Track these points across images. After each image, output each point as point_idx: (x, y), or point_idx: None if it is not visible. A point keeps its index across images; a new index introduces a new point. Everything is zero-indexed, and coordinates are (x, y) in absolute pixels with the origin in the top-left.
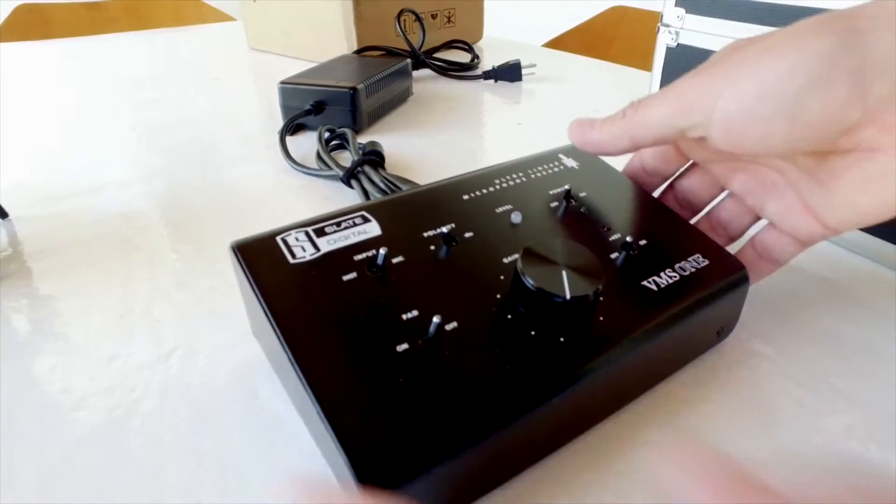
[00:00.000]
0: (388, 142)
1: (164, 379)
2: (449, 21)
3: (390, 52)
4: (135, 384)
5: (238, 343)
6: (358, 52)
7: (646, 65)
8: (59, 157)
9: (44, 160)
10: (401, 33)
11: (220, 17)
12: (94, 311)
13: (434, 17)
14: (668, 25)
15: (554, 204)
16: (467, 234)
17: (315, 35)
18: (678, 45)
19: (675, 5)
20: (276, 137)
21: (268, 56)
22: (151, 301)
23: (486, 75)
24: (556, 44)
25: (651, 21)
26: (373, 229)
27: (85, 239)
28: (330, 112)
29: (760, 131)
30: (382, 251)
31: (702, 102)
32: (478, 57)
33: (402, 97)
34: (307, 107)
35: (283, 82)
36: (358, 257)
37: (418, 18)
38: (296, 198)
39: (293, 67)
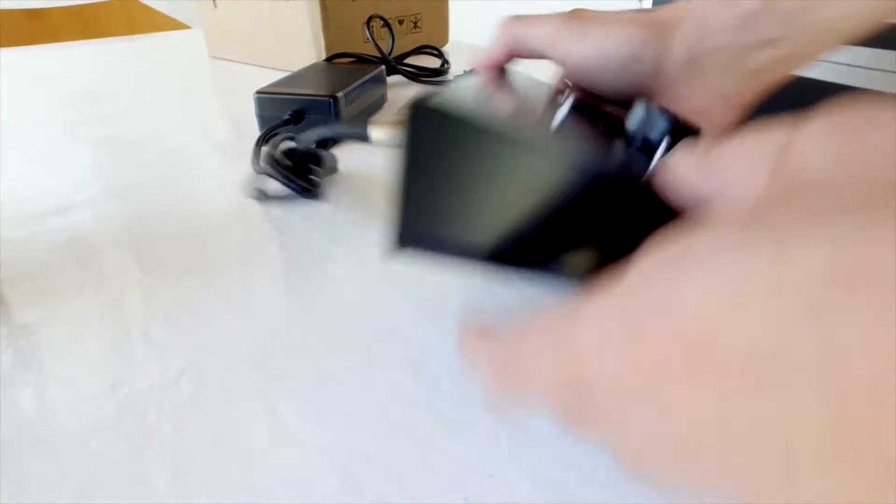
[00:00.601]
0: (365, 152)
1: (177, 402)
2: (416, 26)
3: (362, 60)
4: (145, 410)
5: (248, 359)
6: (328, 59)
7: None
8: (18, 177)
9: (2, 182)
10: (371, 40)
11: (175, 24)
12: (86, 337)
13: (401, 22)
14: None
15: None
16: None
17: (281, 42)
18: None
19: None
20: (251, 149)
21: (231, 64)
22: (148, 323)
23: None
24: None
25: None
26: None
27: (59, 263)
28: (310, 121)
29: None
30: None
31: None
32: (448, 62)
33: (378, 104)
34: (286, 116)
35: (259, 92)
36: None
37: (387, 24)
38: (277, 207)
39: (259, 76)
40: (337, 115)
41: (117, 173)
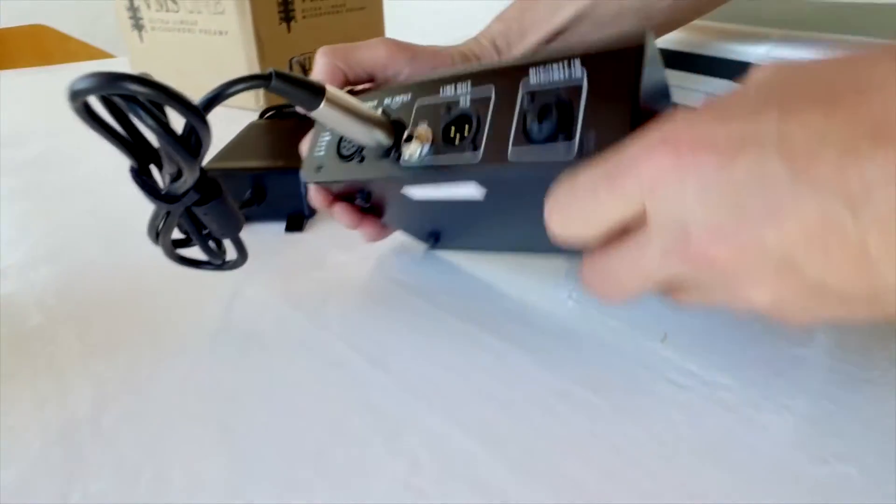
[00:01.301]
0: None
1: None
2: None
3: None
4: None
5: (217, 452)
6: (263, 114)
7: None
8: None
9: None
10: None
11: (95, 53)
12: (29, 429)
13: None
14: None
15: None
16: None
17: (215, 77)
18: None
19: None
20: None
21: None
22: (100, 412)
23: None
24: None
25: None
26: None
27: None
28: (274, 198)
29: None
30: None
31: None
32: None
33: None
34: (246, 196)
35: (206, 169)
36: None
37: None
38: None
39: None
40: (307, 187)
41: (46, 231)
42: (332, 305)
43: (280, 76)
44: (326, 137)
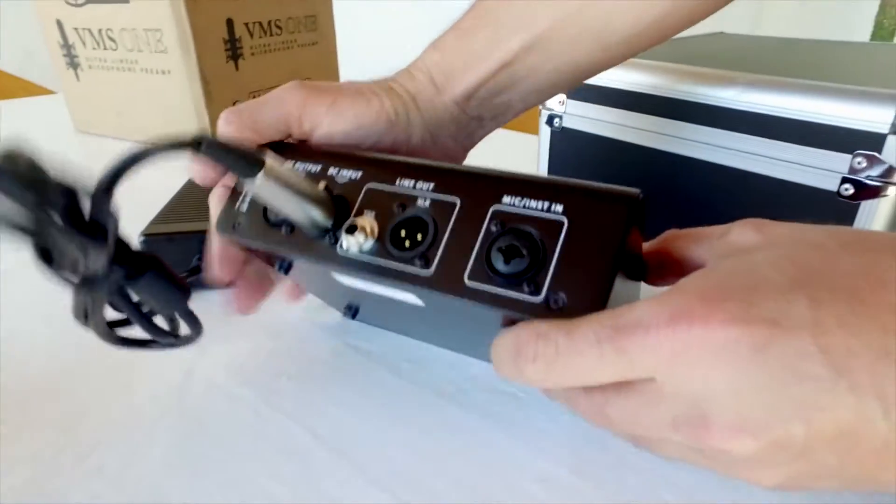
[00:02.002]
0: None
1: None
2: None
3: None
4: None
5: None
6: None
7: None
8: None
9: None
10: None
11: (31, 89)
12: None
13: None
14: (549, 109)
15: None
16: None
17: (158, 117)
18: (562, 128)
19: None
20: None
21: (103, 141)
22: None
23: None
24: None
25: None
26: None
27: None
28: None
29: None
30: None
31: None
32: None
33: None
34: (193, 263)
35: (145, 234)
36: None
37: None
38: None
39: None
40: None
41: None
42: (286, 381)
43: (211, 145)
44: None
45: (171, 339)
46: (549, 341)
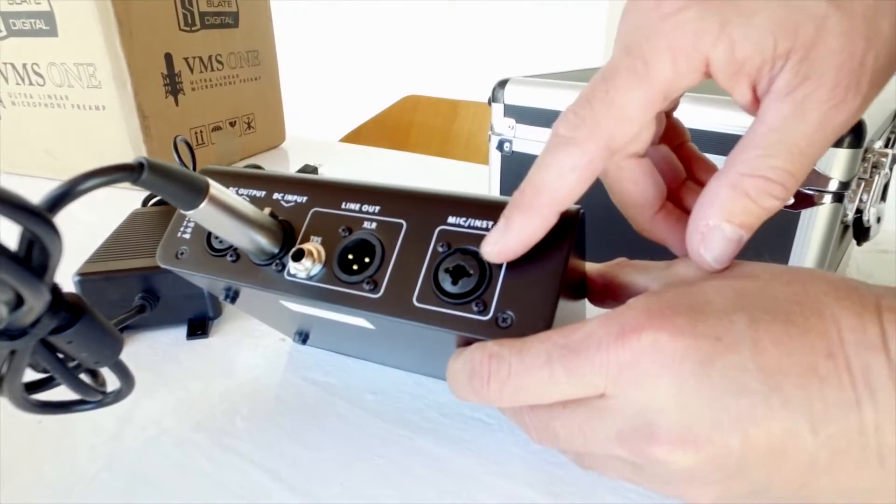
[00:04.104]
0: None
1: None
2: (249, 127)
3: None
4: None
5: None
6: (146, 200)
7: (444, 152)
8: None
9: None
10: (179, 161)
11: None
12: None
13: (233, 124)
14: (498, 134)
15: None
16: None
17: (92, 156)
18: (512, 152)
19: (504, 115)
20: None
21: (32, 181)
22: None
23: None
24: (356, 136)
25: (444, 108)
26: None
27: None
28: (171, 301)
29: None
30: None
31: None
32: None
33: None
34: (136, 302)
35: (81, 274)
36: None
37: (188, 147)
38: None
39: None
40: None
41: None
42: (241, 421)
43: (154, 168)
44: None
45: (99, 396)
46: (503, 361)
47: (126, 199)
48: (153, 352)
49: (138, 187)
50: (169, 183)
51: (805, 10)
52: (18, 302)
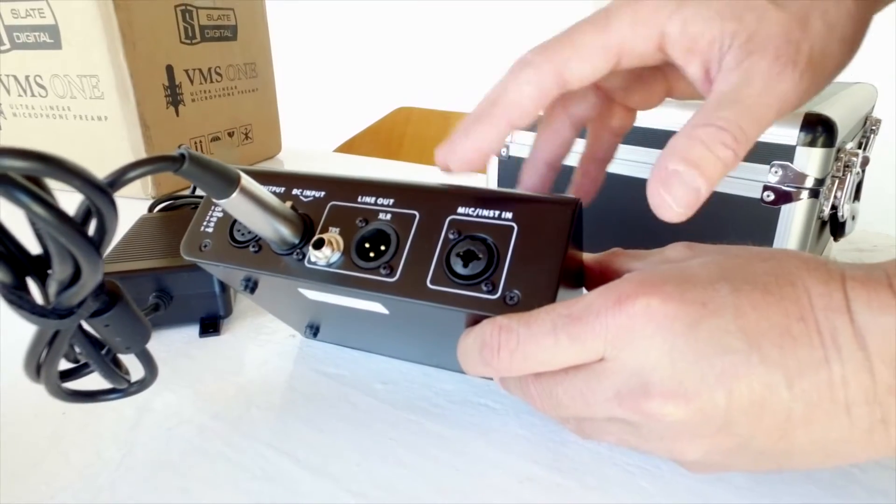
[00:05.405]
0: None
1: None
2: (247, 137)
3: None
4: None
5: None
6: (153, 206)
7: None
8: None
9: None
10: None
11: None
12: None
13: (231, 134)
14: None
15: None
16: None
17: (95, 165)
18: (510, 157)
19: None
20: None
21: None
22: None
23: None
24: (350, 146)
25: (436, 120)
26: None
27: None
28: (183, 301)
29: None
30: None
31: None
32: None
33: None
34: (151, 301)
35: None
36: None
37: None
38: None
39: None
40: (224, 290)
41: None
42: (257, 410)
43: (194, 159)
44: (218, 214)
45: (125, 384)
46: (512, 332)
47: (132, 207)
48: (167, 349)
49: (147, 197)
50: (206, 173)
51: (748, 4)
52: (70, 281)
